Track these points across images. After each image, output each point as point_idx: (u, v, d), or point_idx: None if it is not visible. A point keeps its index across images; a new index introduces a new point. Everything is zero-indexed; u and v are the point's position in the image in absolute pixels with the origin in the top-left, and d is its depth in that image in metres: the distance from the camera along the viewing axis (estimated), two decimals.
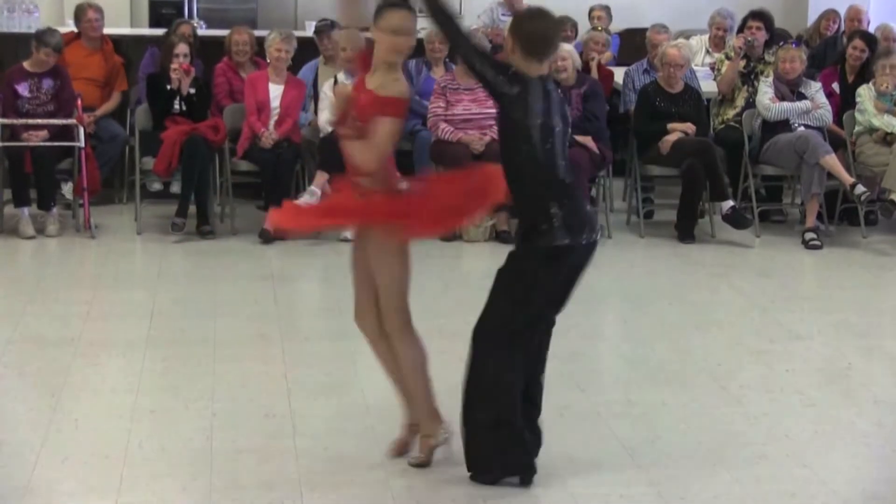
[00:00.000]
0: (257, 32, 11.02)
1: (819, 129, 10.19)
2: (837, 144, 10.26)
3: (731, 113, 10.72)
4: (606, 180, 10.26)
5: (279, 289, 8.19)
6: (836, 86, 10.92)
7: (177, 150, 9.55)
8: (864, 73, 10.72)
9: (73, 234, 9.64)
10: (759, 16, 10.99)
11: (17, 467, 5.26)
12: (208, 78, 10.42)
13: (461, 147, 9.70)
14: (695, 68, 10.91)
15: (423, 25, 12.19)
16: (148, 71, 10.51)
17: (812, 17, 13.73)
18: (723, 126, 10.68)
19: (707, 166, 9.78)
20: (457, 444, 5.39)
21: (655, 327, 7.49)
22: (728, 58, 10.88)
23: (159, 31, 11.55)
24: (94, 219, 9.63)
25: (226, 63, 10.57)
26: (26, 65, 9.72)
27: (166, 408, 6.01)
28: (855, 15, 12.39)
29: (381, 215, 5.11)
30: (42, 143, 9.53)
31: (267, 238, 9.31)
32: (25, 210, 9.53)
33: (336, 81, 9.64)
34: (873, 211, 10.37)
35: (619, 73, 11.24)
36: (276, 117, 9.85)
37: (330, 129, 8.86)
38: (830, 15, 12.70)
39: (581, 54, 10.84)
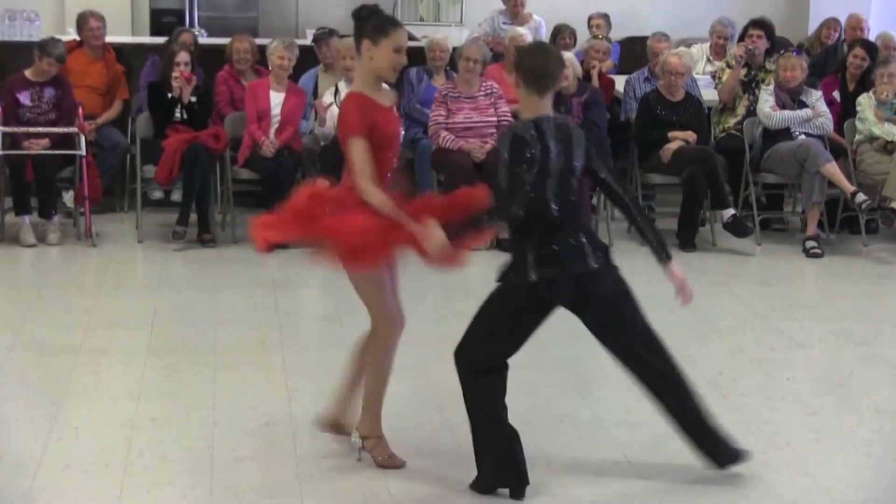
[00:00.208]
0: (258, 40, 11.03)
1: (820, 137, 10.20)
2: (838, 153, 10.27)
3: (731, 121, 10.72)
4: None
5: (280, 297, 8.19)
6: (836, 94, 10.93)
7: (178, 159, 9.55)
8: (865, 82, 10.73)
9: (74, 243, 9.64)
10: (760, 24, 11.00)
11: (18, 475, 5.25)
12: (209, 86, 10.42)
13: (462, 155, 9.71)
14: (696, 76, 10.92)
15: (425, 34, 12.25)
16: (149, 79, 10.52)
17: (813, 25, 13.73)
18: (724, 134, 10.69)
19: (708, 174, 9.79)
20: (458, 451, 5.40)
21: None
22: (729, 66, 10.89)
23: (160, 40, 11.55)
24: (95, 227, 9.63)
25: (227, 71, 10.58)
26: (28, 73, 9.73)
27: (167, 415, 6.01)
28: (856, 24, 12.39)
29: (322, 233, 5.15)
30: (43, 152, 9.53)
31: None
32: (26, 218, 9.54)
33: (337, 90, 9.66)
34: (874, 219, 10.38)
35: (619, 82, 11.25)
36: (276, 125, 9.86)
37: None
38: (831, 23, 12.71)
39: (582, 62, 10.85)
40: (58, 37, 10.40)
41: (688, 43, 12.26)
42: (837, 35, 12.50)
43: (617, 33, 12.86)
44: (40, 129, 9.60)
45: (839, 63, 11.41)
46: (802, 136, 10.10)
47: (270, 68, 10.00)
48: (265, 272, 8.79)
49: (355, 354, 5.50)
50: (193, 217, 9.64)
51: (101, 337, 7.34)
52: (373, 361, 5.38)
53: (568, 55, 10.22)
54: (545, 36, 11.90)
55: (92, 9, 11.07)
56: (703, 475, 5.40)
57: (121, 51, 11.40)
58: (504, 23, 11.61)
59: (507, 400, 6.21)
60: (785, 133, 10.15)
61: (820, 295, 9.17)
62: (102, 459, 5.44)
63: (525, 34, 10.82)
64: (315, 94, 10.35)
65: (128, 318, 7.79)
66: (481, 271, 9.35)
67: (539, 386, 6.33)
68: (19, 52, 10.97)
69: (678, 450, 5.69)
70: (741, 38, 11.13)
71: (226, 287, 8.58)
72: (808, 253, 9.80)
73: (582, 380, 6.71)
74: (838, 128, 10.48)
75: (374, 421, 5.40)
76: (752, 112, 10.51)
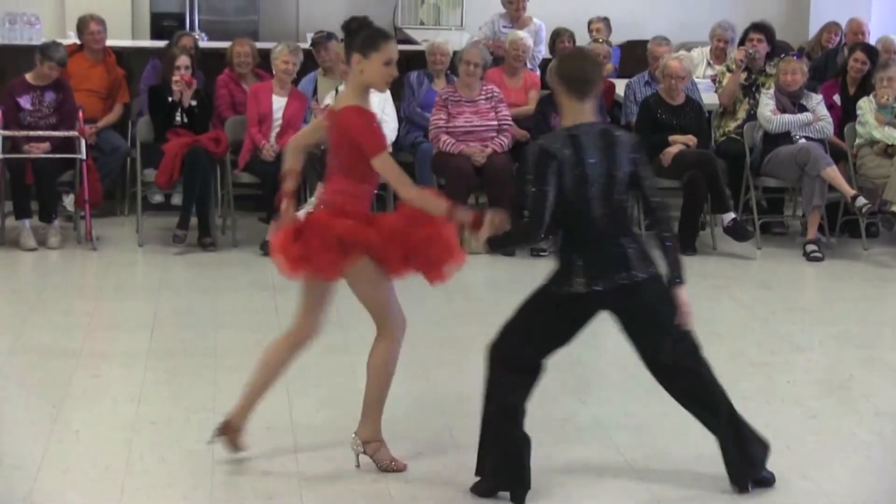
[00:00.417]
0: (259, 44, 11.04)
1: (820, 141, 10.20)
2: (838, 156, 10.27)
3: (732, 125, 10.72)
4: None
5: (280, 300, 8.18)
6: (837, 98, 10.93)
7: (178, 162, 9.55)
8: (866, 86, 10.72)
9: (74, 246, 9.64)
10: (761, 28, 11.00)
11: (18, 478, 5.26)
12: (210, 90, 10.42)
13: (463, 159, 9.72)
14: (696, 80, 10.92)
15: (425, 38, 12.25)
16: (149, 83, 10.52)
17: (813, 29, 13.73)
18: (724, 138, 10.69)
19: (708, 178, 9.79)
20: (458, 453, 5.40)
21: None
22: (729, 70, 10.89)
23: (161, 43, 11.56)
24: (95, 231, 9.63)
25: (227, 75, 10.58)
26: (29, 77, 9.73)
27: (167, 419, 6.01)
28: (857, 28, 12.39)
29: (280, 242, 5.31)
30: (43, 155, 9.54)
31: (268, 250, 9.30)
32: (27, 222, 9.54)
33: (337, 93, 9.65)
34: (874, 223, 10.37)
35: (620, 85, 11.26)
36: (277, 129, 9.86)
37: None
38: (832, 27, 12.71)
39: None
40: (58, 40, 10.39)
41: (688, 47, 12.26)
42: (838, 39, 12.50)
43: (617, 37, 12.86)
44: (41, 133, 9.60)
45: (840, 67, 11.41)
46: (803, 140, 10.10)
47: (274, 72, 9.98)
48: (265, 275, 8.78)
49: (269, 360, 5.47)
50: (194, 221, 9.64)
51: (102, 340, 7.35)
52: (379, 366, 5.38)
53: None
54: (545, 39, 11.91)
55: (92, 12, 11.08)
56: (703, 478, 5.41)
57: (121, 54, 11.40)
58: (504, 26, 11.61)
59: None
60: (785, 137, 10.15)
61: (820, 298, 9.18)
62: (103, 462, 5.44)
63: (525, 38, 10.82)
64: (314, 98, 10.34)
65: (128, 321, 7.80)
66: (482, 274, 9.41)
67: (540, 389, 6.32)
68: (20, 56, 10.98)
69: (678, 453, 5.70)
70: (741, 42, 11.13)
71: (226, 290, 8.58)
72: (809, 256, 9.80)
73: (582, 383, 6.71)
74: (839, 131, 10.48)
75: (375, 425, 5.40)
76: (752, 116, 10.51)
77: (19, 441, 5.72)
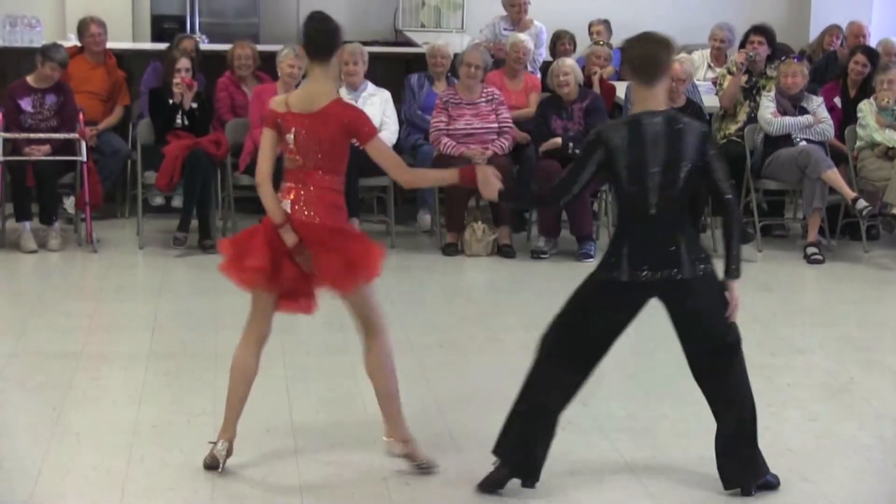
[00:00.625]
0: (259, 47, 11.04)
1: (821, 143, 10.20)
2: (839, 159, 10.27)
3: (733, 128, 10.72)
4: (608, 194, 10.27)
5: None
6: (837, 100, 10.93)
7: (179, 165, 9.55)
8: (866, 88, 10.73)
9: (74, 249, 9.64)
10: (761, 30, 11.00)
11: (19, 481, 5.25)
12: (210, 92, 10.43)
13: (463, 161, 9.71)
14: (697, 83, 10.92)
15: (426, 40, 12.25)
16: (150, 85, 10.52)
17: (814, 31, 13.74)
18: (725, 141, 10.69)
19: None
20: (459, 455, 5.40)
21: (657, 341, 7.47)
22: (730, 72, 10.90)
23: (161, 46, 11.56)
24: (95, 233, 9.63)
25: (228, 77, 10.59)
26: (30, 80, 9.72)
27: (168, 421, 6.01)
28: (858, 31, 12.39)
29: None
30: (44, 158, 9.54)
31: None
32: (27, 224, 9.54)
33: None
34: (875, 225, 10.38)
35: (620, 88, 11.25)
36: None
37: None
38: (834, 31, 12.71)
39: (583, 69, 10.86)
40: (59, 42, 10.39)
41: (689, 49, 12.26)
42: (840, 42, 12.50)
43: (618, 39, 12.85)
44: (41, 136, 9.59)
45: (840, 69, 11.42)
46: (803, 143, 10.10)
47: (279, 75, 9.95)
48: None
49: (244, 373, 5.43)
50: (194, 223, 9.64)
51: (102, 342, 7.35)
52: (381, 367, 5.39)
53: (569, 61, 10.24)
54: (546, 42, 11.91)
55: (93, 15, 11.09)
56: (703, 481, 5.41)
57: (122, 57, 11.41)
58: (505, 29, 11.61)
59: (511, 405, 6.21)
60: (786, 139, 10.15)
61: (821, 301, 9.18)
62: (103, 465, 5.44)
63: (526, 40, 10.83)
64: None
65: (129, 323, 7.80)
66: (482, 277, 9.42)
67: None
68: (21, 58, 10.99)
69: (679, 455, 5.70)
70: (742, 45, 11.13)
71: (226, 292, 8.48)
72: (809, 259, 9.81)
73: (583, 386, 6.70)
74: (839, 134, 10.48)
75: (402, 424, 5.44)
76: (753, 118, 10.51)
77: (20, 444, 5.72)
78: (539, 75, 11.23)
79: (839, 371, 7.17)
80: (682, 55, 11.01)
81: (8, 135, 9.54)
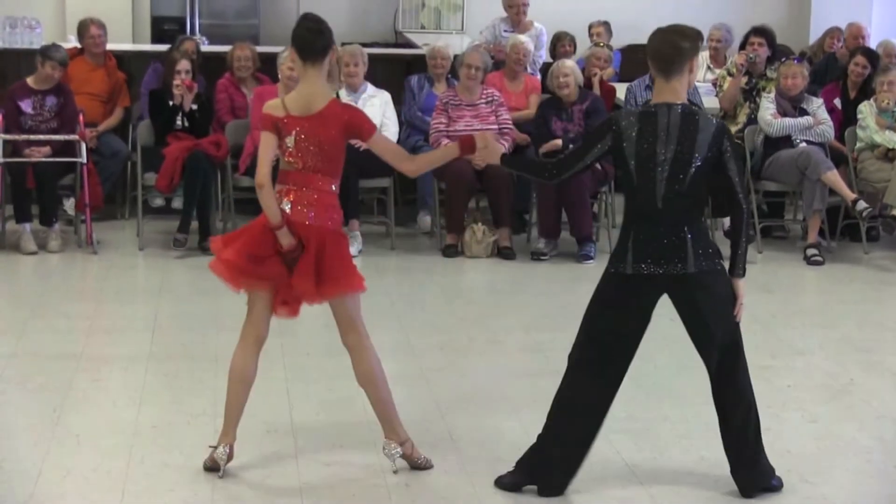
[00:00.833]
0: (259, 48, 11.04)
1: (821, 145, 10.20)
2: (839, 160, 10.27)
3: (733, 129, 10.71)
4: (609, 195, 10.29)
5: None
6: (837, 102, 10.93)
7: (179, 166, 9.56)
8: (866, 89, 10.73)
9: (74, 250, 9.64)
10: (761, 32, 11.01)
11: (19, 482, 5.25)
12: (210, 94, 10.43)
13: (463, 163, 9.69)
14: (696, 84, 10.92)
15: (426, 41, 12.26)
16: (150, 87, 10.52)
17: (814, 33, 13.74)
18: None
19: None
20: (459, 457, 5.40)
21: (657, 342, 7.46)
22: (730, 74, 10.91)
23: (161, 47, 11.57)
24: (95, 234, 9.64)
25: (227, 79, 10.59)
26: (30, 81, 9.72)
27: (168, 422, 6.01)
28: (857, 32, 12.40)
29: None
30: (44, 159, 9.54)
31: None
32: (27, 226, 9.54)
33: (338, 97, 9.64)
34: (875, 227, 10.38)
35: (620, 89, 11.26)
36: None
37: None
38: (835, 33, 12.73)
39: (583, 70, 10.86)
40: (59, 44, 10.39)
41: None
42: (841, 44, 12.51)
43: (618, 41, 12.88)
44: (42, 137, 9.59)
45: (840, 71, 11.42)
46: (803, 144, 10.10)
47: (280, 77, 9.94)
48: None
49: (243, 377, 5.41)
50: (194, 224, 9.65)
51: (102, 343, 7.35)
52: (371, 372, 5.40)
53: (569, 63, 10.25)
54: (546, 44, 11.92)
55: (93, 16, 11.09)
56: (703, 482, 5.41)
57: (122, 58, 11.42)
58: (505, 30, 11.62)
59: (511, 406, 6.22)
60: (786, 141, 10.15)
61: (821, 302, 9.18)
62: (103, 466, 5.44)
63: (526, 42, 10.83)
64: None
65: (129, 324, 7.80)
66: (482, 278, 9.42)
67: (541, 394, 6.32)
68: (21, 60, 11.00)
69: (679, 457, 5.70)
70: (742, 47, 11.13)
71: (227, 294, 8.46)
72: (809, 260, 9.81)
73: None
74: (839, 135, 10.49)
75: (399, 426, 5.44)
76: (753, 120, 10.52)
77: (20, 445, 5.72)
78: (539, 77, 11.23)
79: (839, 372, 7.16)
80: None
81: (8, 136, 9.54)
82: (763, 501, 5.26)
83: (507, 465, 5.32)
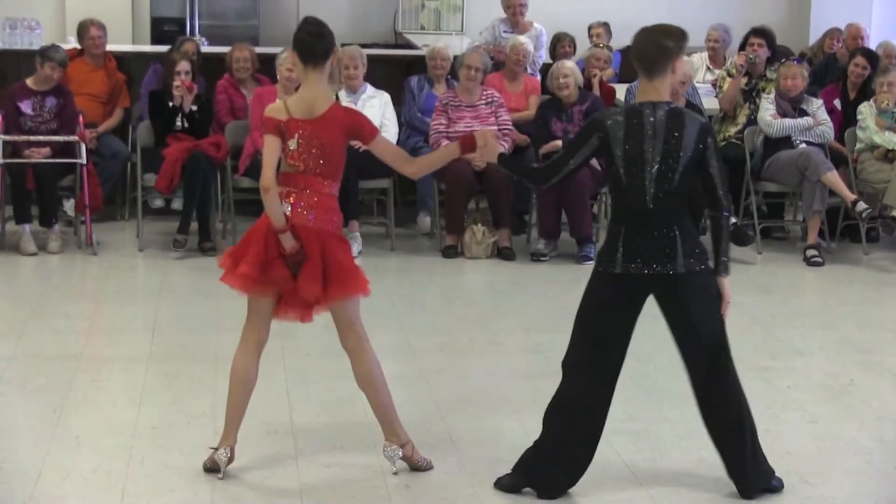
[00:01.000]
0: (259, 49, 11.04)
1: (821, 145, 10.20)
2: (839, 161, 10.27)
3: (732, 130, 10.73)
4: (608, 196, 10.28)
5: None
6: (837, 102, 10.93)
7: (179, 167, 9.55)
8: (866, 90, 10.73)
9: (74, 251, 9.64)
10: (761, 33, 11.00)
11: (19, 483, 5.25)
12: (210, 95, 10.42)
13: (463, 164, 9.70)
14: (696, 85, 10.92)
15: (426, 42, 12.26)
16: (150, 88, 10.52)
17: (814, 34, 13.74)
18: (724, 143, 10.68)
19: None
20: (458, 458, 5.40)
21: (657, 343, 7.47)
22: (730, 75, 10.90)
23: (161, 48, 11.57)
24: (95, 235, 9.63)
25: (227, 80, 10.59)
26: (29, 82, 9.72)
27: (168, 423, 6.01)
28: (856, 33, 12.40)
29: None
30: (44, 160, 9.53)
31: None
32: (27, 227, 9.54)
33: (337, 99, 9.65)
34: (875, 228, 10.38)
35: (620, 90, 11.25)
36: None
37: None
38: (835, 34, 12.72)
39: (583, 71, 10.86)
40: (58, 45, 10.39)
41: (688, 52, 12.25)
42: (841, 45, 12.51)
43: (617, 42, 12.86)
44: (41, 138, 9.59)
45: (840, 71, 11.42)
46: (803, 145, 10.10)
47: (279, 79, 9.94)
48: None
49: (244, 380, 5.41)
50: (194, 225, 9.65)
51: (102, 344, 7.35)
52: (371, 375, 5.40)
53: (569, 64, 10.25)
54: (546, 45, 11.92)
55: (93, 17, 11.09)
56: (703, 483, 5.41)
57: (122, 59, 11.42)
58: (505, 31, 11.61)
59: (511, 407, 6.22)
60: (786, 142, 10.15)
61: (820, 303, 9.18)
62: (103, 467, 5.44)
63: (526, 43, 10.83)
64: None
65: (129, 325, 7.80)
66: (482, 279, 9.42)
67: (541, 395, 6.32)
68: (20, 61, 11.00)
69: (679, 458, 5.70)
70: (742, 47, 11.13)
71: (226, 295, 8.45)
72: (809, 261, 9.81)
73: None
74: (839, 136, 10.49)
75: (400, 428, 5.44)
76: (752, 121, 10.52)
77: (20, 446, 5.72)
78: (539, 77, 11.23)
79: (839, 373, 7.17)
80: (682, 57, 11.00)
81: (8, 137, 9.54)
82: (763, 502, 5.26)
83: (507, 466, 5.33)
